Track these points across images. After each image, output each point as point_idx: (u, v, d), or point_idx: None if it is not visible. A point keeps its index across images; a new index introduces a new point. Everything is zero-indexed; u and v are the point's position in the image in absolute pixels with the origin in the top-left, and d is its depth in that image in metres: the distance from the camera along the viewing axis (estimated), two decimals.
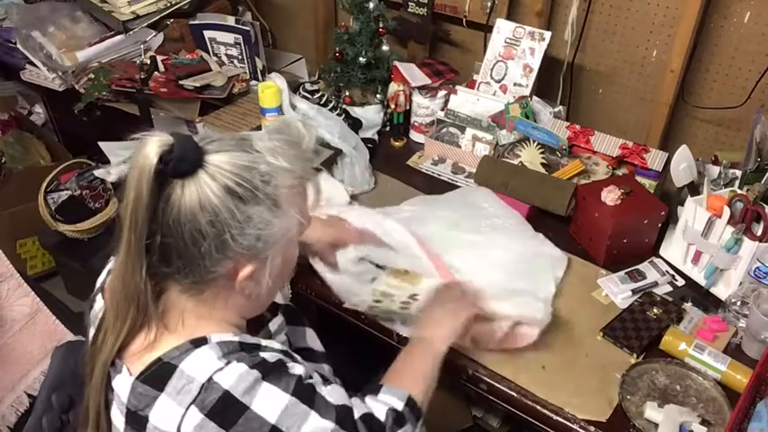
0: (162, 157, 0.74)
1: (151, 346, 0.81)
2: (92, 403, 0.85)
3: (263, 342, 0.86)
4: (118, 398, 0.82)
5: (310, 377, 0.84)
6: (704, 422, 1.07)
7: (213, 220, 0.76)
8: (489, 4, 1.88)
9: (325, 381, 0.89)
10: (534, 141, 1.65)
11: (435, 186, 1.67)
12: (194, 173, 0.76)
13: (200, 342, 0.80)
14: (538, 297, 1.27)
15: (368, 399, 0.93)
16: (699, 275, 1.39)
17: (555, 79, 1.90)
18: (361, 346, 1.37)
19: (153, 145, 0.74)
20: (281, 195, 0.80)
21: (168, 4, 2.12)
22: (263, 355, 0.82)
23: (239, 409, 0.76)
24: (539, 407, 1.13)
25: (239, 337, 0.84)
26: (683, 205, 1.43)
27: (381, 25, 1.88)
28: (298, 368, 0.83)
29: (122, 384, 0.81)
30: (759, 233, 1.27)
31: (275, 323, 0.97)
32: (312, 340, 1.07)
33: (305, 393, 0.80)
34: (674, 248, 1.44)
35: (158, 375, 0.78)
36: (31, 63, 2.07)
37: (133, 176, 0.74)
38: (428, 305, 1.16)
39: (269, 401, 0.77)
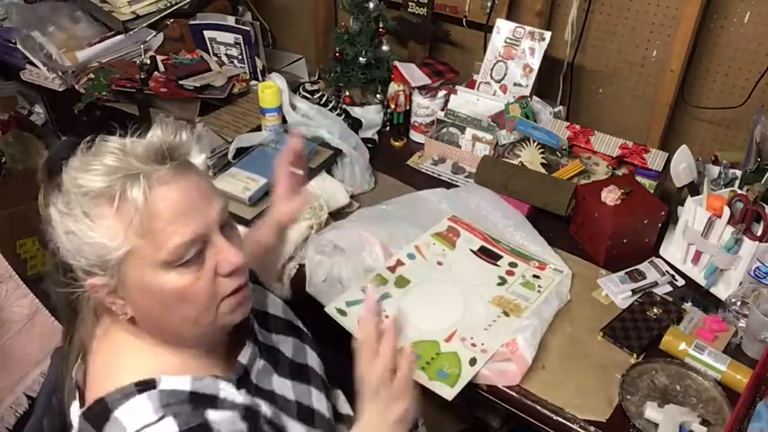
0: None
1: (95, 373, 0.81)
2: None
3: (223, 394, 0.81)
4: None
5: None
6: (704, 422, 1.07)
7: (50, 230, 0.77)
8: (489, 4, 1.88)
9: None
10: (534, 141, 1.65)
11: (435, 187, 1.67)
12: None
13: (144, 387, 0.77)
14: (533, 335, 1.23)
15: None
16: (699, 275, 1.39)
17: (555, 79, 1.90)
18: None
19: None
20: (89, 206, 0.74)
21: (168, 4, 2.12)
22: (209, 416, 0.77)
23: None
24: (539, 407, 1.13)
25: (194, 385, 0.79)
26: (683, 205, 1.43)
27: (381, 25, 1.88)
28: None
29: (74, 414, 0.82)
30: (759, 233, 1.27)
31: (245, 355, 0.89)
32: (311, 360, 1.02)
33: None
34: (674, 248, 1.44)
35: (98, 417, 0.76)
36: (31, 63, 2.07)
37: None
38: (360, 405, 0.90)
39: None
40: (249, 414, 0.82)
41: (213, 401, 0.80)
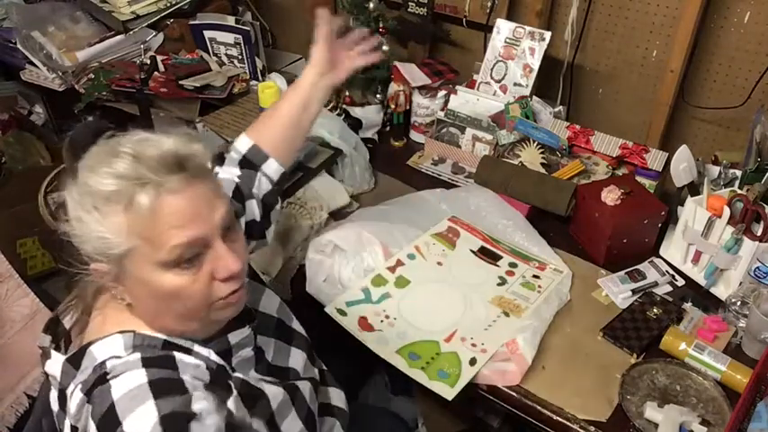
0: None
1: (83, 334, 0.86)
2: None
3: (197, 348, 0.84)
4: (54, 380, 0.84)
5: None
6: (704, 422, 1.07)
7: (63, 213, 0.81)
8: (489, 4, 1.88)
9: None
10: (534, 141, 1.65)
11: (435, 187, 1.67)
12: None
13: (125, 333, 0.82)
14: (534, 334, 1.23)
15: None
16: (699, 275, 1.39)
17: (555, 79, 1.90)
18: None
19: None
20: (100, 202, 0.76)
21: (168, 4, 2.12)
22: (176, 355, 0.81)
23: (102, 387, 0.76)
24: (539, 407, 1.13)
25: (167, 337, 0.83)
26: (683, 205, 1.43)
27: (381, 25, 1.88)
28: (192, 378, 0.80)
29: (55, 366, 0.84)
30: (759, 233, 1.27)
31: (237, 335, 0.91)
32: (295, 361, 1.03)
33: (163, 384, 0.76)
34: (674, 248, 1.44)
35: (79, 356, 0.81)
36: (31, 63, 2.07)
37: None
38: None
39: (125, 382, 0.75)
40: (219, 371, 0.84)
41: (187, 351, 0.83)
